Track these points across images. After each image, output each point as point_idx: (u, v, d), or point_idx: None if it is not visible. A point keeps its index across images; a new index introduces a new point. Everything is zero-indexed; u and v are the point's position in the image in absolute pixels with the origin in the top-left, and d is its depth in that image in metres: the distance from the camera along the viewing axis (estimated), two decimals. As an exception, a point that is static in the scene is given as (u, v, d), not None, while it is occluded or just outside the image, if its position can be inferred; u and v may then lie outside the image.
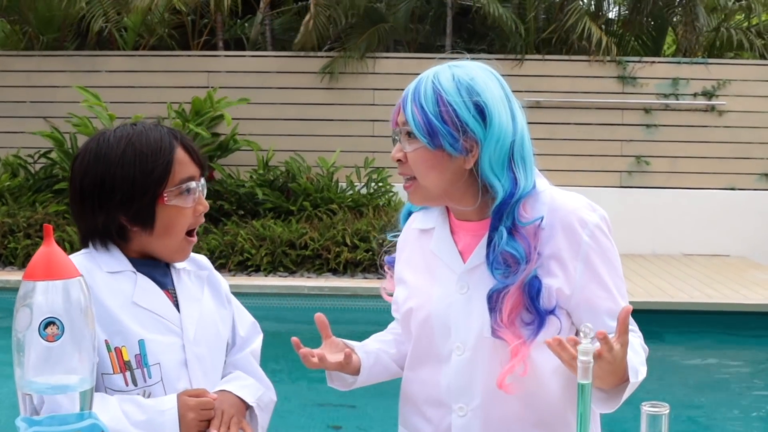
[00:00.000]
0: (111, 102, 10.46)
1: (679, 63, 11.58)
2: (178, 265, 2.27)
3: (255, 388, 2.28)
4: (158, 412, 2.04)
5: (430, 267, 2.21)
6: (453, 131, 2.02)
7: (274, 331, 3.74)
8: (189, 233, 2.21)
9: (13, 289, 7.50)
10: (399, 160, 2.13)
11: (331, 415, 5.96)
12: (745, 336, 7.96)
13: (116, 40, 11.78)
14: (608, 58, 11.27)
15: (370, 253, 9.13)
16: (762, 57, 12.38)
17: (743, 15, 13.58)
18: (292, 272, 9.19)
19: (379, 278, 9.03)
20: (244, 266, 9.17)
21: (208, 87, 10.80)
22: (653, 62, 11.54)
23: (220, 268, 8.65)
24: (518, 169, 2.08)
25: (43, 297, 1.39)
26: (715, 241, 11.03)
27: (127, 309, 2.10)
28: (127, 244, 2.18)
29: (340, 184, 10.45)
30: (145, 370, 2.09)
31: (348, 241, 9.23)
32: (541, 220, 2.06)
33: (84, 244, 2.21)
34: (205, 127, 10.19)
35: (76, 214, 2.20)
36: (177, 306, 2.20)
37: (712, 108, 11.40)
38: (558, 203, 2.10)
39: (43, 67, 11.42)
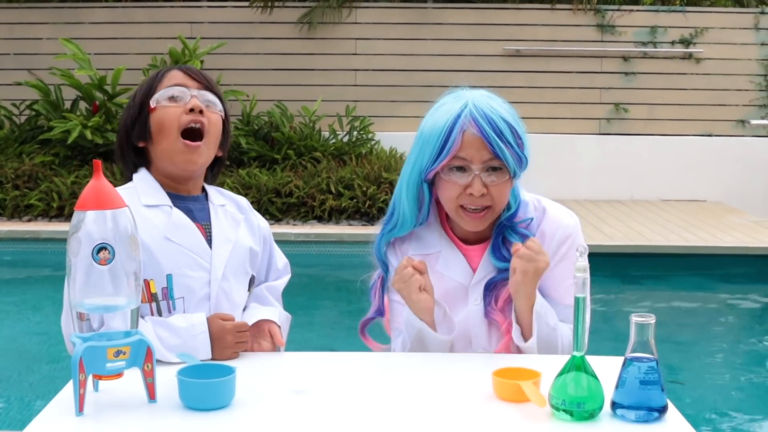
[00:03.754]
0: (95, 54, 10.49)
1: (657, 11, 11.70)
2: (216, 201, 2.40)
3: (273, 311, 2.46)
4: (191, 336, 2.19)
5: (440, 287, 2.35)
6: (526, 158, 2.29)
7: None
8: (186, 136, 2.31)
9: (3, 240, 7.57)
10: (483, 195, 2.27)
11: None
12: (721, 277, 8.18)
13: (99, -8, 11.77)
14: (589, 6, 11.37)
15: (354, 200, 9.28)
16: (739, 4, 12.52)
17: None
18: (278, 219, 9.33)
19: (363, 225, 9.20)
20: (231, 214, 9.28)
21: (191, 38, 10.84)
22: (631, 10, 11.65)
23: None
24: None
25: (94, 225, 1.54)
26: (692, 187, 11.23)
27: (159, 243, 2.24)
28: (152, 169, 2.33)
29: (322, 133, 10.56)
30: (170, 302, 2.24)
31: (332, 188, 9.36)
32: (531, 221, 2.37)
33: (128, 178, 2.36)
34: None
35: (116, 154, 2.40)
36: (209, 241, 2.34)
37: (690, 56, 11.54)
38: (552, 217, 2.40)
39: (26, 19, 11.41)
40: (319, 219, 9.36)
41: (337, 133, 10.57)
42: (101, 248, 1.54)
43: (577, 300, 1.69)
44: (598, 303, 7.42)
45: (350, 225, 9.19)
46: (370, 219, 9.29)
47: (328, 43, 11.41)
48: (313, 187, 9.41)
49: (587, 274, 1.69)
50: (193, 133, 2.31)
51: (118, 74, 9.88)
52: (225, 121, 2.43)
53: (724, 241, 8.53)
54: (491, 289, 2.33)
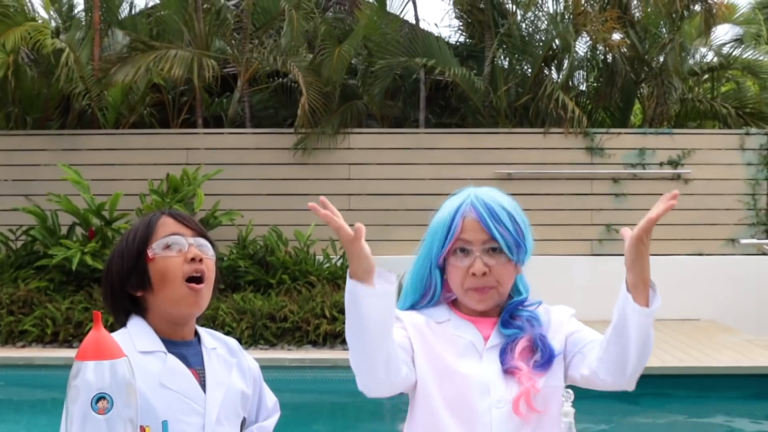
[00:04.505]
0: (92, 179, 10.64)
1: (645, 133, 11.94)
2: (209, 344, 2.45)
3: None
4: None
5: (453, 346, 2.47)
6: (525, 246, 2.48)
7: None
8: (191, 281, 2.35)
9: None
10: (484, 274, 2.43)
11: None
12: (716, 397, 8.16)
13: (98, 119, 12.00)
14: (579, 130, 11.59)
15: (349, 324, 9.29)
16: (725, 125, 12.78)
17: (709, 85, 14.04)
18: (272, 345, 9.34)
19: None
20: (226, 339, 9.28)
21: (187, 164, 11.01)
22: (620, 133, 11.89)
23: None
24: None
25: (93, 374, 1.59)
26: (685, 306, 11.27)
27: (154, 390, 2.27)
28: (149, 316, 2.37)
29: (317, 257, 10.64)
30: None
31: (327, 313, 9.40)
32: (540, 304, 2.57)
33: (121, 324, 2.40)
34: (185, 204, 10.37)
35: (104, 298, 2.43)
36: (203, 385, 2.38)
37: (678, 176, 11.73)
38: (557, 308, 2.60)
39: (25, 146, 11.61)
40: (314, 344, 9.36)
41: (331, 257, 10.65)
42: (100, 398, 1.58)
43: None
44: (597, 422, 7.39)
45: (345, 350, 9.14)
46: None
47: (322, 168, 11.59)
48: (308, 311, 9.44)
49: (571, 418, 1.74)
50: (195, 279, 2.37)
51: (116, 200, 10.01)
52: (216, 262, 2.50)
53: (719, 360, 8.54)
54: (506, 351, 2.45)
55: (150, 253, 2.32)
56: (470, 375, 2.42)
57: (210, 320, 9.25)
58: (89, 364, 1.60)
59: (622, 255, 2.36)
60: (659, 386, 8.17)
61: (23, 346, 9.30)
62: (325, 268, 10.39)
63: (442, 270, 2.54)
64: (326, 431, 7.71)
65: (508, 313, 2.50)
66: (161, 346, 2.34)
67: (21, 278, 10.03)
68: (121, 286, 2.36)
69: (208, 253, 2.39)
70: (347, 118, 11.77)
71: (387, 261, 11.00)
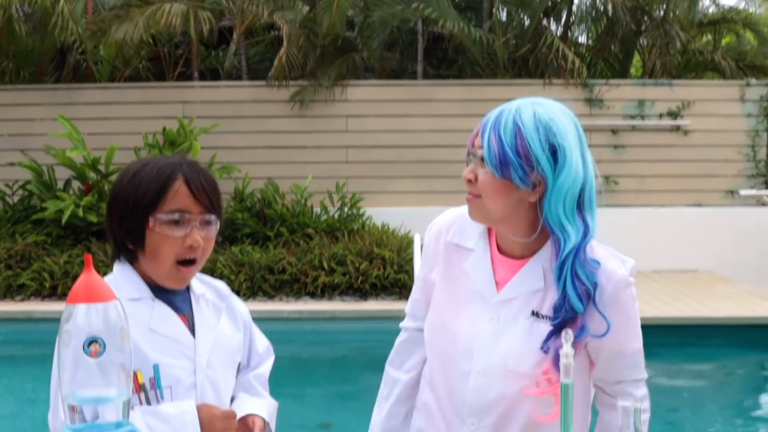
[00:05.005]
0: (88, 133, 10.58)
1: (644, 85, 11.87)
2: (197, 290, 2.42)
3: (261, 404, 2.46)
4: (182, 423, 2.19)
5: (463, 289, 2.30)
6: (525, 165, 2.10)
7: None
8: (183, 263, 2.28)
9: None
10: (469, 180, 2.20)
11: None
12: (714, 347, 8.17)
13: (93, 73, 11.91)
14: (578, 81, 11.52)
15: (347, 276, 9.29)
16: (724, 76, 12.70)
17: (710, 37, 13.94)
18: (271, 297, 9.34)
19: (356, 300, 9.19)
20: (224, 292, 9.29)
21: (183, 117, 10.95)
22: (619, 84, 11.82)
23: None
24: (587, 211, 2.20)
25: (85, 318, 1.56)
26: (683, 257, 11.28)
27: (143, 335, 2.24)
28: (137, 265, 2.33)
29: (314, 209, 10.62)
30: (157, 391, 2.25)
31: (325, 264, 9.38)
32: (599, 266, 2.19)
33: (112, 267, 2.36)
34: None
35: (108, 232, 2.36)
36: (193, 331, 2.35)
37: (678, 128, 11.68)
38: (606, 270, 2.21)
39: (20, 100, 11.54)
40: (312, 295, 9.36)
41: (329, 209, 10.62)
42: (92, 341, 1.55)
43: (563, 386, 1.70)
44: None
45: (343, 301, 9.19)
46: (363, 295, 9.29)
47: (319, 121, 11.52)
48: (306, 263, 9.43)
49: (570, 359, 1.70)
50: (187, 261, 2.30)
51: (111, 153, 9.96)
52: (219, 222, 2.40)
53: (718, 311, 8.54)
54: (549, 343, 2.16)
55: (151, 222, 2.26)
56: (460, 334, 2.27)
57: (208, 272, 9.10)
58: (80, 307, 1.56)
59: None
60: (657, 336, 8.15)
61: (21, 300, 9.29)
62: (323, 221, 10.37)
63: None
64: (325, 383, 7.72)
65: (565, 260, 2.14)
66: (149, 293, 2.31)
67: (18, 233, 10.01)
68: (116, 229, 2.32)
69: (211, 233, 2.32)
70: (344, 70, 11.68)
71: (384, 213, 11.05)
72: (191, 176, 2.28)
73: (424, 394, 2.45)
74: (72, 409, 1.57)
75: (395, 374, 2.53)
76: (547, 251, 2.23)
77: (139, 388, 2.22)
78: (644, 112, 11.70)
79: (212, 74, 12.95)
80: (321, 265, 9.41)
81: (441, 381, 2.35)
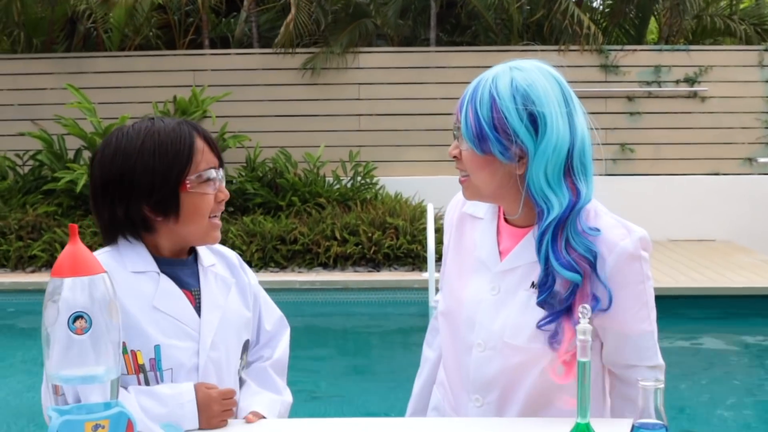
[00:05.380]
0: (98, 103, 10.50)
1: (660, 50, 11.69)
2: (206, 262, 2.33)
3: (271, 401, 2.35)
4: (179, 404, 2.10)
5: (470, 258, 2.24)
6: (503, 139, 2.02)
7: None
8: (212, 217, 2.27)
9: (7, 291, 7.52)
10: (455, 157, 2.14)
11: (323, 406, 6.05)
12: (732, 317, 8.08)
13: (103, 42, 11.81)
14: (594, 47, 11.36)
15: (360, 246, 9.21)
16: (743, 42, 12.50)
17: (727, 1, 13.72)
18: (283, 267, 9.27)
19: (369, 271, 9.12)
20: (236, 262, 9.24)
21: (194, 86, 10.85)
22: (635, 50, 11.64)
23: (212, 264, 8.73)
24: (578, 178, 2.08)
25: (70, 292, 1.47)
26: (700, 227, 11.15)
27: (146, 313, 2.15)
28: (154, 236, 2.23)
29: (326, 178, 10.53)
30: (157, 373, 2.15)
31: (337, 234, 9.30)
32: (599, 233, 2.06)
33: (108, 240, 2.26)
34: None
35: (96, 208, 2.25)
36: (199, 308, 2.26)
37: (695, 94, 11.51)
38: (606, 238, 2.08)
39: (30, 69, 11.44)
40: (324, 266, 9.28)
41: (341, 178, 10.53)
42: (77, 317, 1.46)
43: (580, 364, 1.61)
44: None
45: (356, 271, 9.11)
46: (375, 265, 9.20)
47: (331, 89, 11.40)
48: (318, 233, 9.35)
49: (588, 336, 1.61)
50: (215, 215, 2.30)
51: (122, 122, 9.88)
52: None
53: (734, 281, 8.44)
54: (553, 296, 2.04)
55: (188, 185, 2.19)
56: (465, 303, 2.19)
57: (221, 243, 9.16)
58: (66, 280, 1.48)
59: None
60: (674, 306, 8.07)
61: (33, 272, 9.25)
62: (335, 190, 10.28)
63: None
64: (337, 353, 7.67)
65: (558, 226, 2.03)
66: (154, 266, 2.22)
67: (29, 203, 9.96)
68: (135, 203, 2.21)
69: (224, 184, 2.32)
70: (356, 37, 11.55)
71: (396, 182, 10.98)
72: (204, 133, 2.27)
73: (441, 371, 2.40)
74: (55, 389, 1.50)
75: (426, 352, 2.53)
76: None
77: (138, 368, 2.14)
78: (660, 79, 11.52)
79: (222, 42, 12.83)
80: (333, 235, 9.33)
81: (450, 355, 2.29)
